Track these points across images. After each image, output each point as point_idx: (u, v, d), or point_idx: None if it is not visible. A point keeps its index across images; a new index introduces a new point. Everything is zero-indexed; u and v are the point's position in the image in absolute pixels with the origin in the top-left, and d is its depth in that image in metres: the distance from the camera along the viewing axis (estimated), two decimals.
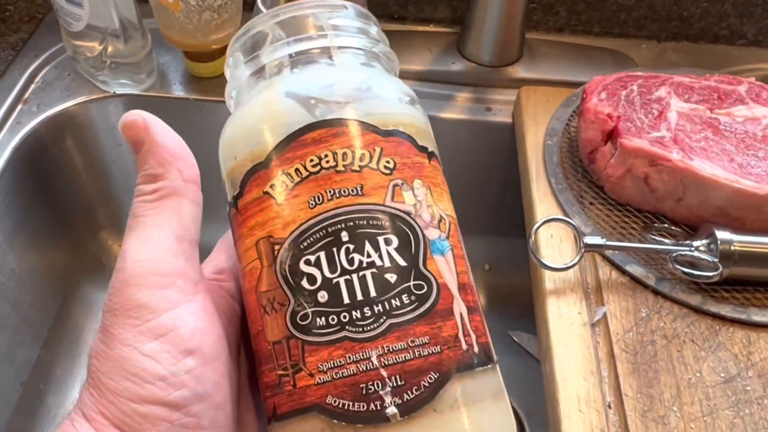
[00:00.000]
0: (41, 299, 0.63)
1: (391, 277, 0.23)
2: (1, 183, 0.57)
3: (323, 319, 0.23)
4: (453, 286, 0.24)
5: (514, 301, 0.72)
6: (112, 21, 0.58)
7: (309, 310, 0.23)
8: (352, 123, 0.25)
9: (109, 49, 0.60)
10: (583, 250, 0.45)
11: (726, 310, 0.45)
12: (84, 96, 0.62)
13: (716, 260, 0.43)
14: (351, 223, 0.24)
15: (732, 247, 0.44)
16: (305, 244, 0.24)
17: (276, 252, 0.24)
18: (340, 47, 0.28)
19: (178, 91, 0.63)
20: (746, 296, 0.45)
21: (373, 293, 0.23)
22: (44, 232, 0.64)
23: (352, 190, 0.24)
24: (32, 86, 0.63)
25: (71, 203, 0.66)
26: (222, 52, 0.62)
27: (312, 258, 0.24)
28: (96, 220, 0.70)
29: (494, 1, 0.60)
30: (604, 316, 0.44)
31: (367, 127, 0.25)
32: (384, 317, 0.23)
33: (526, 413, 0.64)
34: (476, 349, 0.24)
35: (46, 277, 0.64)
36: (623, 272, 0.47)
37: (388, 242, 0.24)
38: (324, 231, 0.24)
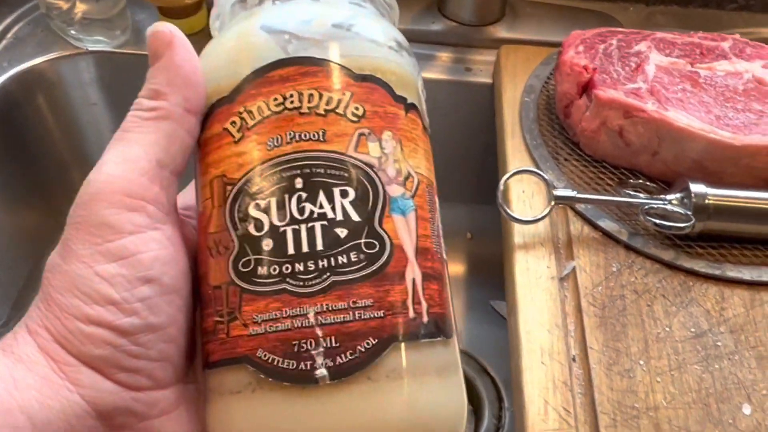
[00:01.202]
0: (12, 259, 0.63)
1: (342, 232, 0.22)
2: None
3: (265, 268, 0.22)
4: (409, 249, 0.23)
5: (497, 271, 0.69)
6: None
7: (252, 257, 0.22)
8: (323, 63, 0.23)
9: (82, 5, 0.59)
10: (553, 202, 0.43)
11: (700, 266, 0.43)
12: (55, 53, 0.61)
13: (689, 213, 0.42)
14: (307, 170, 0.22)
15: (706, 201, 0.42)
16: (257, 187, 0.23)
17: (228, 193, 0.23)
18: None
19: None
20: (721, 252, 0.44)
21: (319, 247, 0.22)
22: (16, 190, 0.63)
23: (314, 135, 0.22)
24: (3, 42, 0.62)
25: (44, 163, 0.65)
26: (196, 8, 0.61)
27: (262, 203, 0.22)
28: (70, 181, 0.68)
29: None
30: (573, 270, 0.43)
31: (340, 69, 0.23)
32: (327, 273, 0.21)
33: (504, 381, 0.62)
34: (425, 319, 0.22)
35: (16, 237, 0.63)
36: (595, 227, 0.45)
37: (344, 194, 0.22)
38: (278, 176, 0.22)
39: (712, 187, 0.43)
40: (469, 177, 0.69)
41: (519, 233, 0.45)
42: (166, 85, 0.24)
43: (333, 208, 0.22)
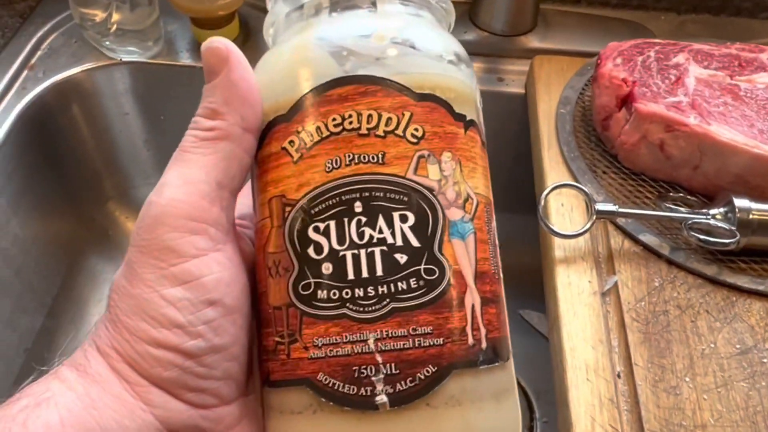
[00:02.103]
0: (45, 267, 0.63)
1: (401, 258, 0.22)
2: (6, 148, 0.57)
3: (325, 292, 0.22)
4: (468, 274, 0.22)
5: (525, 280, 0.70)
6: None
7: (312, 281, 0.22)
8: (382, 81, 0.23)
9: (116, 16, 0.59)
10: (594, 216, 0.43)
11: (743, 281, 0.43)
12: (90, 63, 0.62)
13: (734, 228, 0.42)
14: (367, 194, 0.22)
15: (750, 216, 0.42)
16: (317, 209, 0.22)
17: (287, 213, 0.23)
18: None
19: (185, 59, 0.62)
20: (765, 267, 0.44)
21: (379, 272, 0.21)
22: (49, 199, 0.63)
23: (373, 157, 0.22)
24: (39, 52, 0.62)
25: (77, 172, 0.66)
26: (229, 19, 0.61)
27: (321, 225, 0.22)
28: (102, 190, 0.69)
29: None
30: (615, 285, 0.43)
31: (399, 88, 0.23)
32: (387, 300, 0.21)
33: (535, 393, 0.62)
34: (484, 345, 0.22)
35: (50, 245, 0.64)
36: (636, 241, 0.45)
37: (403, 219, 0.22)
38: (337, 198, 0.22)
39: (756, 202, 0.43)
40: (499, 186, 0.68)
41: (559, 247, 0.45)
42: (223, 104, 0.23)
43: (393, 233, 0.22)
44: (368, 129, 0.22)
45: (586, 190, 0.45)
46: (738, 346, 0.40)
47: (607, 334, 0.41)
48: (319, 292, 0.22)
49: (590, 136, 0.52)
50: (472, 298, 0.22)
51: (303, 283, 0.22)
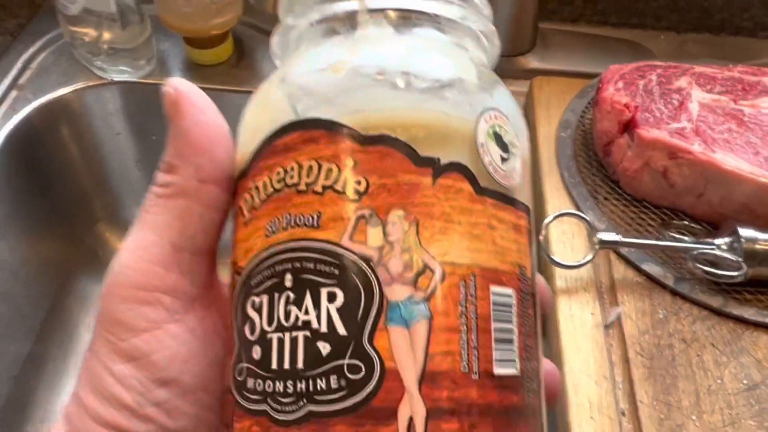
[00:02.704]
0: (34, 291, 0.62)
1: (324, 348, 0.17)
2: None
3: (252, 381, 0.18)
4: (409, 375, 0.17)
5: None
6: (108, 5, 0.56)
7: (244, 365, 0.19)
8: (327, 124, 0.19)
9: (107, 34, 0.58)
10: (597, 247, 0.42)
11: (749, 313, 0.42)
12: (81, 83, 0.60)
13: (740, 259, 0.41)
14: (297, 265, 0.18)
15: (757, 246, 0.41)
16: (255, 281, 0.19)
17: (235, 282, 0.20)
18: (371, 10, 0.20)
19: None
20: None
21: (299, 364, 0.17)
22: (38, 222, 0.62)
23: (308, 220, 0.18)
24: (28, 72, 0.61)
25: (67, 193, 0.64)
26: (222, 38, 0.60)
27: (257, 300, 0.19)
28: (92, 211, 0.68)
29: None
30: (619, 317, 0.42)
31: (345, 131, 0.18)
32: (304, 400, 0.17)
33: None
34: None
35: (39, 269, 0.62)
36: (639, 271, 0.44)
37: (331, 298, 0.18)
38: (272, 269, 0.19)
39: (762, 232, 0.42)
40: None
41: (561, 277, 0.44)
42: (176, 156, 0.21)
43: (318, 316, 0.17)
44: (306, 184, 0.18)
45: (587, 219, 0.43)
46: (745, 382, 0.39)
47: (611, 369, 0.40)
48: (249, 380, 0.19)
49: (591, 161, 0.51)
50: (412, 408, 0.17)
51: (238, 366, 0.19)
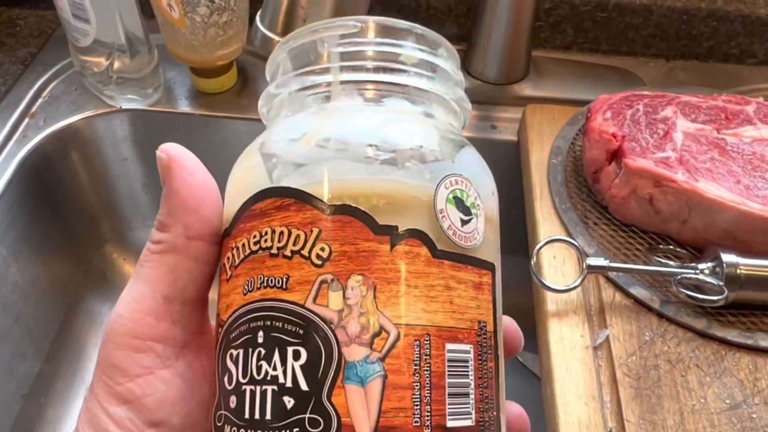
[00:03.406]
0: (44, 312, 0.64)
1: (288, 402, 0.19)
2: (7, 196, 0.57)
3: (228, 428, 0.20)
4: (364, 430, 0.18)
5: (520, 321, 0.69)
6: (118, 36, 0.58)
7: (223, 413, 0.21)
8: (297, 193, 0.20)
9: (116, 64, 0.61)
10: (585, 271, 0.44)
11: (732, 335, 0.44)
12: (90, 110, 0.63)
13: (721, 284, 0.43)
14: (268, 323, 0.20)
15: (738, 271, 0.43)
16: (233, 335, 0.21)
17: (218, 335, 0.22)
18: (344, 82, 0.22)
19: (184, 107, 0.63)
20: (753, 321, 0.44)
21: (268, 416, 0.19)
22: (48, 245, 0.64)
23: (278, 281, 0.20)
24: (39, 100, 0.63)
25: (76, 216, 0.67)
26: (227, 68, 0.63)
27: (234, 353, 0.21)
28: (100, 233, 0.70)
29: (501, 18, 0.60)
30: (607, 339, 0.44)
31: (312, 200, 0.20)
32: None
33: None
34: None
35: (49, 290, 0.64)
36: (627, 294, 0.46)
37: (296, 356, 0.19)
38: (247, 325, 0.20)
39: (743, 257, 0.44)
40: None
41: (552, 301, 0.46)
42: (168, 215, 0.23)
43: (284, 372, 0.19)
44: (278, 248, 0.20)
45: (577, 244, 0.45)
46: (728, 401, 0.41)
47: (599, 389, 0.42)
48: (226, 426, 0.20)
49: (581, 187, 0.53)
50: None
51: (218, 413, 0.21)
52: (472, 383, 0.20)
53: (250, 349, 0.20)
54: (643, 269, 0.45)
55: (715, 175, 0.46)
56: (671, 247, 0.48)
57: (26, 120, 0.62)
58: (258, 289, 0.20)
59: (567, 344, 0.44)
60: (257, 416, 0.19)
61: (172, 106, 0.63)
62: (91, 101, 0.63)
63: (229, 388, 0.20)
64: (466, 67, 0.65)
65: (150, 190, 0.69)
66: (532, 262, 0.45)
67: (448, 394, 0.19)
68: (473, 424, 0.20)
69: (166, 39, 0.59)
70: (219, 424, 0.21)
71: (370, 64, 0.22)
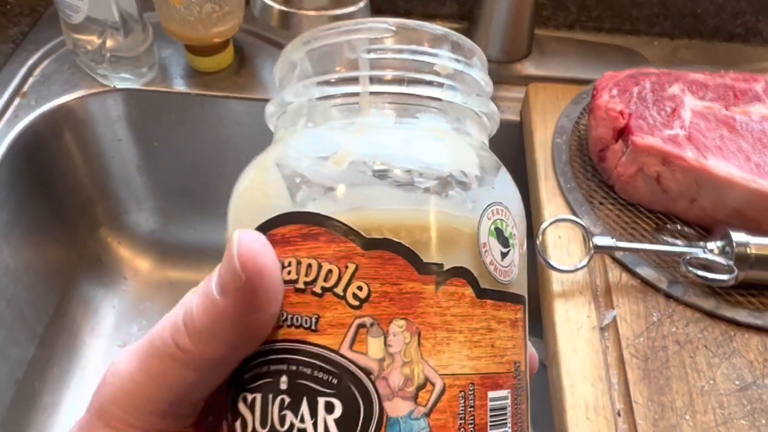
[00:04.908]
0: (37, 296, 0.62)
1: None
2: None
3: None
4: None
5: None
6: (111, 14, 0.57)
7: None
8: (328, 221, 0.18)
9: (109, 42, 0.59)
10: (592, 251, 0.43)
11: (741, 315, 0.43)
12: (83, 90, 0.61)
13: (731, 263, 0.42)
14: (294, 368, 0.18)
15: (748, 250, 0.42)
16: (248, 376, 0.19)
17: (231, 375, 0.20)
18: (373, 93, 0.20)
19: (179, 86, 0.62)
20: (762, 301, 0.44)
21: None
22: (41, 227, 0.63)
23: (306, 321, 0.18)
24: (31, 79, 0.62)
25: (69, 199, 0.65)
26: (224, 46, 0.61)
27: (249, 397, 0.18)
28: (94, 216, 0.68)
29: None
30: (614, 320, 0.43)
31: (346, 231, 0.18)
32: None
33: (532, 419, 0.62)
34: None
35: (42, 274, 0.63)
36: (634, 275, 0.45)
37: (329, 408, 0.17)
38: (266, 367, 0.18)
39: (753, 235, 0.43)
40: None
41: (558, 281, 0.45)
42: (208, 337, 0.19)
43: (315, 425, 0.17)
44: (305, 283, 0.18)
45: (583, 224, 0.44)
46: (737, 383, 0.40)
47: (606, 370, 0.41)
48: None
49: (586, 166, 0.52)
50: None
51: None
52: (510, 430, 0.19)
53: (271, 396, 0.18)
54: (652, 249, 0.44)
55: (724, 152, 0.45)
56: (678, 226, 0.47)
57: (17, 100, 0.60)
58: (280, 327, 0.18)
59: (573, 325, 0.43)
60: None
61: (167, 86, 0.62)
62: (83, 80, 0.62)
63: None
64: None
65: (145, 172, 0.68)
66: (538, 242, 0.44)
67: None
68: None
69: (161, 16, 0.58)
70: None
71: (403, 74, 0.20)
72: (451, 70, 0.20)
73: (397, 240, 0.18)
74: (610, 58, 0.64)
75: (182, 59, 0.63)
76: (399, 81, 0.20)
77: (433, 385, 0.17)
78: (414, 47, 0.20)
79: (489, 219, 0.19)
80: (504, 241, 0.19)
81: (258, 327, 0.18)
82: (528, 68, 0.63)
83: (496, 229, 0.19)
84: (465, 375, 0.18)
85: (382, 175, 0.18)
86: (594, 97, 0.50)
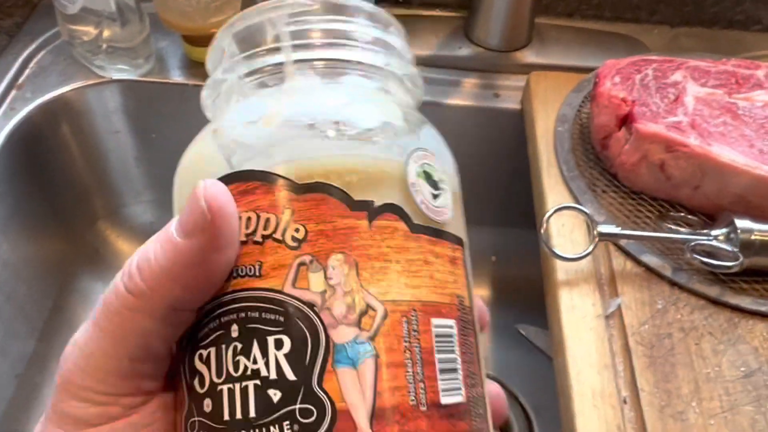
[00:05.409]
0: (37, 290, 0.62)
1: (275, 395, 0.17)
2: None
3: None
4: (361, 414, 0.17)
5: (522, 294, 0.70)
6: (108, 4, 0.56)
7: (196, 419, 0.19)
8: (263, 176, 0.19)
9: (106, 33, 0.58)
10: (596, 239, 0.43)
11: (746, 302, 0.43)
12: (80, 81, 0.60)
13: (736, 250, 0.42)
14: (243, 314, 0.18)
15: (752, 237, 0.42)
16: (201, 334, 0.19)
17: (180, 338, 0.20)
18: (298, 62, 0.21)
19: (176, 77, 0.61)
20: (766, 287, 0.44)
21: (251, 413, 0.17)
22: (39, 221, 0.62)
23: (250, 270, 0.18)
24: (27, 71, 0.61)
25: (67, 192, 0.65)
26: None
27: (204, 353, 0.19)
28: (92, 209, 0.68)
29: None
30: (619, 307, 0.43)
31: (280, 181, 0.19)
32: None
33: (534, 408, 0.62)
34: None
35: (41, 268, 0.62)
36: (638, 262, 0.45)
37: (278, 345, 0.18)
38: (217, 321, 0.19)
39: (757, 222, 0.43)
40: (494, 201, 0.68)
41: (562, 270, 0.45)
42: (161, 277, 0.20)
43: (267, 364, 0.18)
44: (246, 235, 0.19)
45: (587, 211, 0.44)
46: (742, 369, 0.40)
47: (612, 358, 0.41)
48: None
49: (589, 154, 0.52)
50: None
51: (190, 421, 0.19)
52: (459, 359, 0.19)
53: (224, 346, 0.18)
54: (655, 236, 0.44)
55: (728, 139, 0.45)
56: (682, 214, 0.47)
57: (13, 92, 0.60)
58: (227, 281, 0.19)
59: (578, 313, 0.43)
60: (239, 416, 0.18)
61: (164, 77, 0.61)
62: (80, 72, 0.61)
63: (202, 391, 0.19)
64: (467, 34, 0.63)
65: (142, 164, 0.67)
66: (542, 231, 0.44)
67: (439, 370, 0.19)
68: (464, 400, 0.19)
69: (158, 6, 0.57)
70: None
71: (322, 41, 0.21)
72: (370, 37, 0.22)
73: (327, 182, 0.19)
74: (611, 46, 0.64)
75: (179, 50, 0.63)
76: (320, 47, 0.21)
77: (375, 311, 0.18)
78: (333, 17, 0.22)
79: (416, 162, 0.20)
80: (434, 183, 0.21)
81: (216, 270, 0.18)
82: (528, 57, 0.62)
83: (425, 172, 0.21)
84: (406, 301, 0.19)
85: (309, 128, 0.20)
86: (596, 85, 0.50)
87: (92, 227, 0.69)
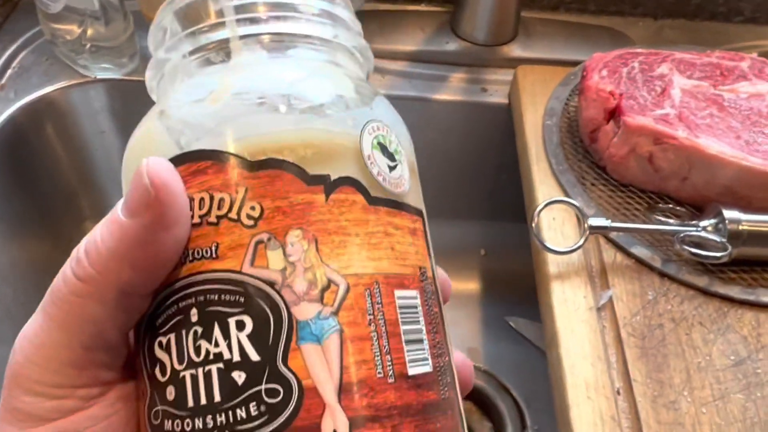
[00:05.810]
0: (24, 294, 0.61)
1: (239, 377, 0.17)
2: None
3: (170, 422, 0.18)
4: (328, 389, 0.17)
5: (511, 287, 0.70)
6: (91, 2, 0.55)
7: (160, 408, 0.18)
8: (213, 155, 0.18)
9: (89, 32, 0.58)
10: (587, 232, 0.43)
11: (734, 292, 0.43)
12: (64, 81, 0.60)
13: (724, 240, 0.42)
14: (201, 298, 0.18)
15: (740, 227, 0.43)
16: (159, 321, 0.19)
17: (138, 326, 0.20)
18: (243, 37, 0.20)
19: None
20: (754, 277, 0.44)
21: (217, 397, 0.17)
22: (25, 223, 0.61)
23: (206, 252, 0.18)
24: (9, 72, 0.60)
25: (53, 193, 0.64)
26: None
27: (164, 340, 0.18)
28: (79, 209, 0.67)
29: None
30: (610, 299, 0.43)
31: (232, 159, 0.18)
32: None
33: (525, 401, 0.62)
34: None
35: (28, 271, 0.62)
36: (628, 254, 0.45)
37: (240, 326, 0.17)
38: (175, 307, 0.18)
39: (744, 213, 0.43)
40: (483, 194, 0.69)
41: (553, 263, 0.45)
42: (110, 259, 0.19)
43: (229, 346, 0.17)
44: (200, 217, 0.18)
45: (577, 205, 0.45)
46: (732, 358, 0.41)
47: (605, 350, 0.41)
48: (166, 422, 0.18)
49: (577, 148, 0.52)
50: (334, 421, 0.17)
51: (153, 410, 0.19)
52: (424, 329, 0.19)
53: (184, 331, 0.18)
54: (645, 228, 0.45)
55: (715, 131, 0.45)
56: (670, 205, 0.48)
57: None
58: (182, 265, 0.18)
59: (570, 306, 0.43)
60: (204, 401, 0.17)
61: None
62: (63, 72, 0.60)
63: (164, 379, 0.18)
64: (454, 28, 0.63)
65: None
66: (533, 225, 0.44)
67: (405, 341, 0.18)
68: (431, 370, 0.19)
69: (142, 4, 0.57)
70: (156, 423, 0.18)
71: (268, 14, 0.21)
72: (316, 9, 0.21)
73: (281, 158, 0.18)
74: (596, 40, 0.64)
75: None
76: (266, 20, 0.21)
77: (337, 285, 0.18)
78: None
79: (370, 134, 0.20)
80: (390, 155, 0.20)
81: (165, 249, 0.18)
82: (515, 51, 0.63)
83: (379, 143, 0.20)
84: (368, 274, 0.18)
85: (259, 104, 0.19)
86: (584, 78, 0.50)
87: (79, 228, 0.68)
